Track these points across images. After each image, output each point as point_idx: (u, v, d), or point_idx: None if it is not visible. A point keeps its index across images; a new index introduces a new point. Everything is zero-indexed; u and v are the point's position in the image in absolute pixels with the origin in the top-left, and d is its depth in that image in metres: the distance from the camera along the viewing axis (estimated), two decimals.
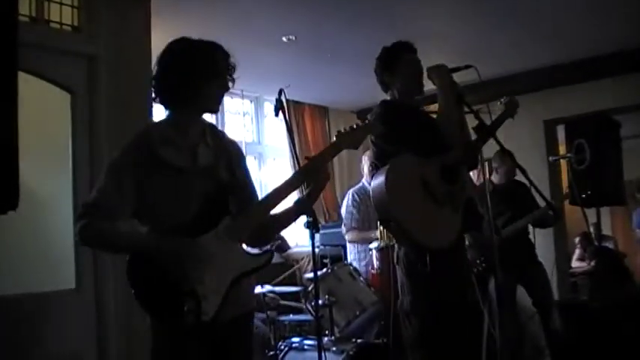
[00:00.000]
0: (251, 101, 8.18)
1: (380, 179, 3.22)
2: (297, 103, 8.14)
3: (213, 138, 2.55)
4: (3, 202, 1.94)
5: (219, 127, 7.19)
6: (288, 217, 2.61)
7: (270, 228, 2.62)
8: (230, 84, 2.53)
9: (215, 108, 2.56)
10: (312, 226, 3.63)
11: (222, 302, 2.24)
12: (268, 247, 2.58)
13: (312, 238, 3.59)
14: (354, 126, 2.64)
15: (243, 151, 2.74)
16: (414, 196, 3.24)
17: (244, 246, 2.47)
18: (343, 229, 5.85)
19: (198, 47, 2.45)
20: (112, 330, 4.27)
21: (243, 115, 8.11)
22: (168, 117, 2.51)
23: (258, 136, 8.30)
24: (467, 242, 3.92)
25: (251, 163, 8.04)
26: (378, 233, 5.18)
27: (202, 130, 2.54)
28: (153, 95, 2.49)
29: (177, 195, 2.36)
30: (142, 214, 2.40)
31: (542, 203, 4.53)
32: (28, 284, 3.97)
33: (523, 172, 3.45)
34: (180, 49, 2.45)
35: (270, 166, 8.28)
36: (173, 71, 2.41)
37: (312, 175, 2.56)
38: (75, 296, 4.20)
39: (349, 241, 5.90)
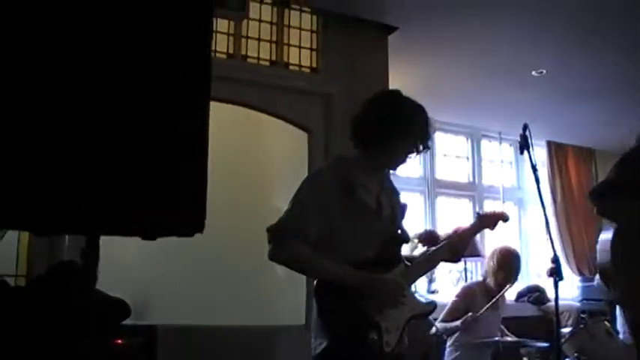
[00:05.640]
0: (510, 145, 7.79)
1: (608, 236, 2.85)
2: (559, 145, 7.62)
3: (387, 190, 2.66)
4: (190, 225, 1.92)
5: (476, 171, 7.14)
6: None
7: None
8: (416, 151, 2.59)
9: (393, 167, 2.69)
10: (556, 274, 3.32)
11: (399, 338, 2.41)
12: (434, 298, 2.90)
13: (556, 287, 3.27)
14: (493, 211, 2.97)
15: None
16: None
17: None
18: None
19: (400, 105, 2.57)
20: None
21: (501, 162, 7.76)
22: (358, 158, 2.61)
23: (518, 181, 7.87)
24: None
25: (510, 209, 7.66)
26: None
27: (382, 180, 2.66)
28: (350, 132, 2.64)
29: (365, 234, 2.49)
30: (323, 242, 2.43)
31: None
32: (260, 317, 4.07)
33: None
34: (385, 101, 2.63)
35: (530, 212, 7.76)
36: (370, 119, 2.57)
37: (457, 250, 2.75)
38: (303, 333, 4.20)
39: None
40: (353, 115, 2.66)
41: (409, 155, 2.61)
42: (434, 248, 2.77)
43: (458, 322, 4.49)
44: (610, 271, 2.96)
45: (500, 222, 2.93)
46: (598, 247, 3.04)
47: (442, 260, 2.79)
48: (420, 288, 6.00)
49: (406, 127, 2.52)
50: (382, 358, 2.37)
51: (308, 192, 2.48)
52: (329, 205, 2.43)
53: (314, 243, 2.40)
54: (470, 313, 4.47)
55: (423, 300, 2.63)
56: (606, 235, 2.97)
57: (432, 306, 2.63)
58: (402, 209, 2.72)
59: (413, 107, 2.58)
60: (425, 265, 2.73)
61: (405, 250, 2.75)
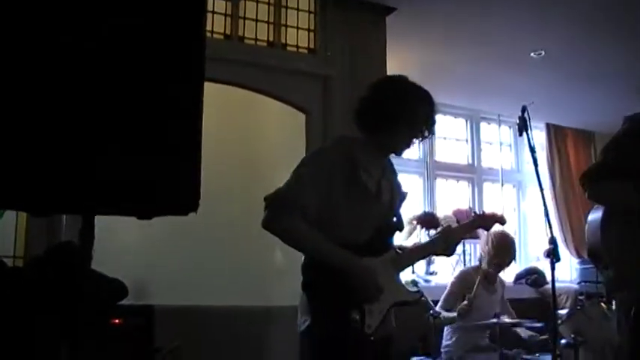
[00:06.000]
0: (509, 127, 7.77)
1: (597, 215, 2.85)
2: (558, 127, 7.60)
3: (389, 175, 2.65)
4: (185, 204, 1.93)
5: (475, 154, 7.11)
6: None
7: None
8: (421, 136, 2.61)
9: (397, 152, 2.64)
10: (552, 255, 3.32)
11: (382, 320, 2.42)
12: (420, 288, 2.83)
13: (553, 268, 3.28)
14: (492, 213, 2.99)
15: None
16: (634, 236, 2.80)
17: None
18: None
19: (405, 91, 2.57)
20: None
21: (500, 144, 7.75)
22: (363, 142, 2.58)
23: (517, 164, 7.87)
24: None
25: (509, 191, 7.67)
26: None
27: (384, 165, 2.65)
28: (355, 115, 2.61)
29: (362, 218, 2.48)
30: (319, 220, 2.40)
31: None
32: (257, 298, 4.09)
33: None
34: (391, 86, 2.61)
35: (529, 194, 7.76)
36: (376, 104, 2.56)
37: (450, 244, 2.76)
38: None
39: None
40: (358, 98, 2.63)
41: (414, 140, 2.61)
42: (426, 240, 2.81)
43: (454, 314, 4.51)
44: (600, 253, 2.96)
45: (497, 224, 2.98)
46: (586, 227, 3.03)
47: (434, 253, 2.85)
48: (418, 269, 6.02)
49: (412, 113, 2.53)
50: (365, 339, 2.38)
51: (310, 167, 2.46)
52: (330, 183, 2.41)
53: (311, 219, 2.36)
54: (465, 302, 4.48)
55: (409, 289, 2.65)
56: (594, 216, 2.96)
57: (418, 296, 2.64)
58: (401, 197, 2.70)
59: (419, 93, 2.59)
60: (416, 255, 2.78)
61: (404, 232, 2.76)
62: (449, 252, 2.78)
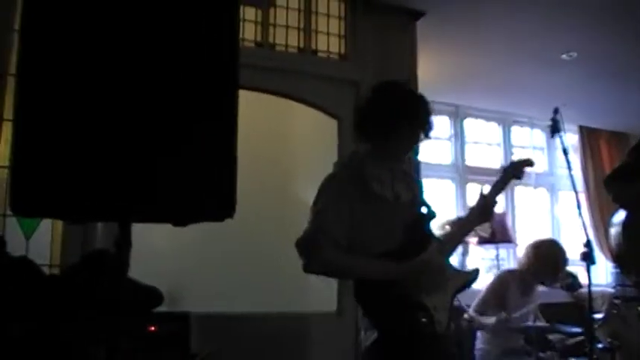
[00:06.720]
0: (542, 130, 7.70)
1: (619, 219, 2.82)
2: (591, 130, 7.50)
3: (400, 174, 2.66)
4: (221, 210, 1.94)
5: (507, 157, 7.09)
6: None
7: None
8: (422, 139, 2.63)
9: (399, 156, 2.67)
10: (587, 258, 3.30)
11: (449, 315, 2.44)
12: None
13: (589, 271, 3.26)
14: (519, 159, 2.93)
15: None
16: None
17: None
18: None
19: (404, 94, 2.61)
20: None
21: (533, 148, 7.68)
22: (368, 150, 2.62)
23: (550, 167, 7.79)
24: None
25: (542, 195, 7.59)
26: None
27: (392, 167, 2.63)
28: (354, 125, 2.66)
29: (389, 226, 2.49)
30: (351, 243, 2.44)
31: None
32: (292, 304, 4.09)
33: None
34: (385, 94, 2.61)
35: (562, 198, 7.67)
36: (368, 112, 2.60)
37: (487, 209, 2.74)
38: (335, 319, 4.22)
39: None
40: (355, 109, 2.72)
41: (414, 143, 2.66)
42: (464, 215, 2.82)
43: (492, 319, 4.37)
44: (623, 256, 2.93)
45: (527, 168, 2.90)
46: (610, 231, 3.01)
47: (475, 224, 2.78)
48: None
49: (408, 119, 2.55)
50: (435, 340, 2.39)
51: (327, 198, 2.49)
52: (349, 207, 2.44)
53: (344, 246, 2.41)
54: (504, 314, 4.33)
55: (463, 270, 2.66)
56: (617, 220, 2.93)
57: (475, 274, 2.62)
58: (420, 187, 2.73)
59: (404, 99, 2.60)
60: (459, 233, 2.73)
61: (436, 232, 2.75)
62: (488, 217, 2.75)
